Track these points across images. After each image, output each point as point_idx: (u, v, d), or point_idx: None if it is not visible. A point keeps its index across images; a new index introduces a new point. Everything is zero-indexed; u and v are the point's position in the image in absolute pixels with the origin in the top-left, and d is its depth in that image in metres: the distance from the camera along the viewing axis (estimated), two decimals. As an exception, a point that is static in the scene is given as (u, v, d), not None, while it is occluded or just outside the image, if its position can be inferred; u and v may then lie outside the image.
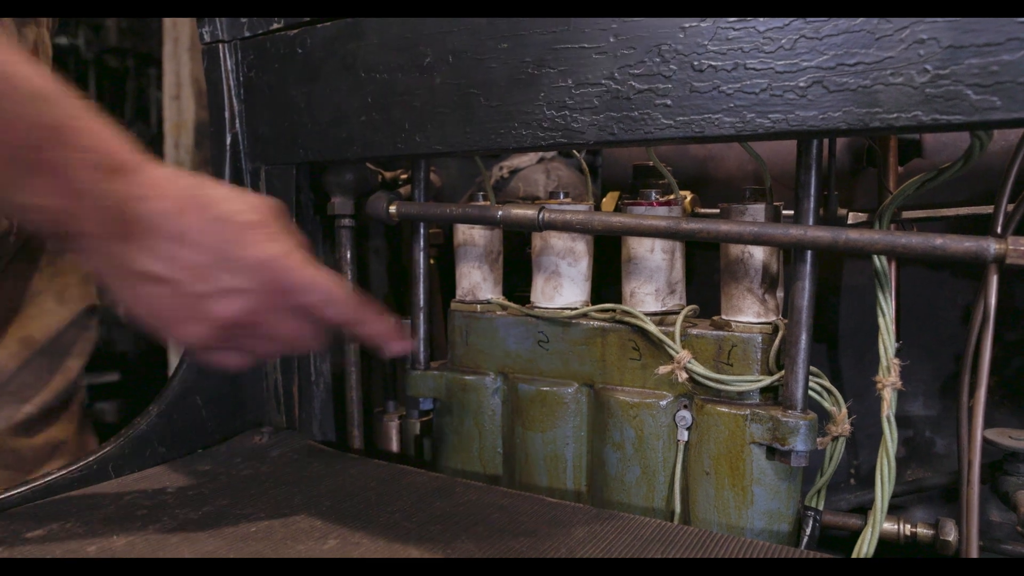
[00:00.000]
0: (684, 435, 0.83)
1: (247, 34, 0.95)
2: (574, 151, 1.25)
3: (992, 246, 0.62)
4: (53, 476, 0.80)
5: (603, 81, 0.71)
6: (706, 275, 1.10)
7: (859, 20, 0.58)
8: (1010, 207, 0.71)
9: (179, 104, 3.44)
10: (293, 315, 0.68)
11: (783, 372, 0.77)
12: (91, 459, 0.83)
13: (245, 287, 0.64)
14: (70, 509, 0.74)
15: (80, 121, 0.60)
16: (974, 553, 0.71)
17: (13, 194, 0.58)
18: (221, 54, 0.97)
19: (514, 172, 1.31)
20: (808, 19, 0.60)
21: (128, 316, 0.67)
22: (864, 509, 0.86)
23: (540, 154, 1.31)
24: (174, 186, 0.63)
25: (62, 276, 1.10)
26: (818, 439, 0.76)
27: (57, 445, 1.12)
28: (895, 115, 0.58)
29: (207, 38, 0.98)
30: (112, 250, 0.62)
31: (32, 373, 1.06)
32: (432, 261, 1.20)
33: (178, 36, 3.41)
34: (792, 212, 0.77)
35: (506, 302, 0.97)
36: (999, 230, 0.71)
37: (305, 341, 0.70)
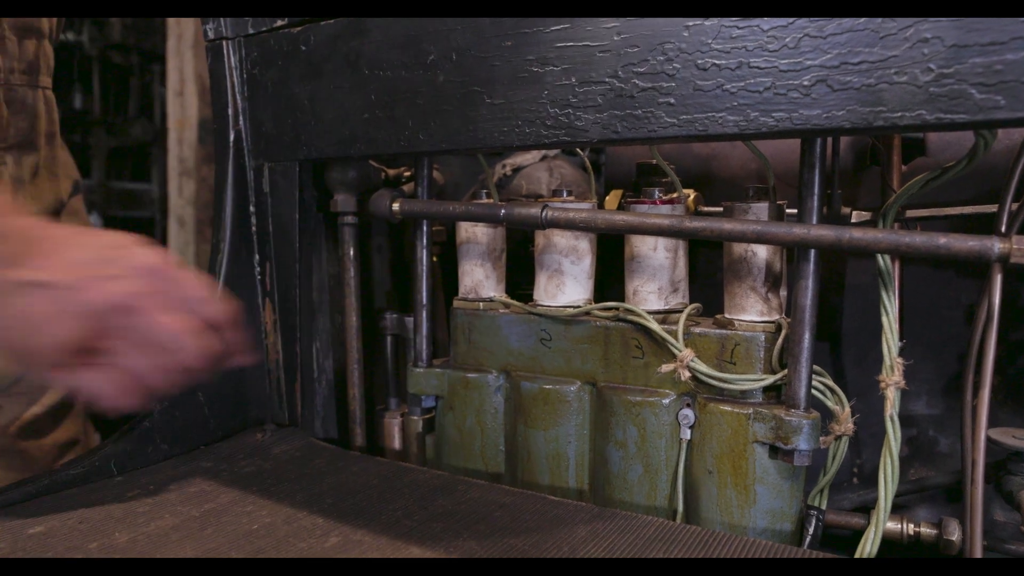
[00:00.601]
0: (687, 434, 0.83)
1: (251, 31, 0.95)
2: (577, 149, 1.25)
3: (996, 245, 0.62)
4: (55, 472, 0.80)
5: (607, 79, 0.71)
6: (709, 274, 1.10)
7: (863, 19, 0.58)
8: (1015, 206, 0.71)
9: (183, 100, 3.44)
10: (168, 310, 0.67)
11: (786, 371, 0.77)
12: (94, 456, 0.83)
13: (122, 275, 0.65)
14: (72, 505, 0.74)
15: None
16: (978, 552, 0.71)
17: None
18: (225, 51, 0.97)
19: (517, 170, 1.31)
20: (812, 18, 0.60)
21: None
22: (867, 508, 0.86)
23: (543, 152, 1.31)
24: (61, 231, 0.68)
25: None
26: (821, 438, 0.76)
27: (66, 445, 1.12)
28: (899, 114, 0.57)
29: (211, 35, 0.98)
30: None
31: None
32: (435, 259, 1.20)
33: (182, 33, 3.41)
34: (796, 211, 0.77)
35: (509, 300, 0.97)
36: (1003, 229, 0.71)
37: (178, 357, 0.68)
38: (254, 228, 1.02)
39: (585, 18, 0.71)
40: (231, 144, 0.99)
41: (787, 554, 0.66)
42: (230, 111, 0.98)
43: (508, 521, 0.72)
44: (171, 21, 3.34)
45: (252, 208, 1.01)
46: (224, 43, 0.97)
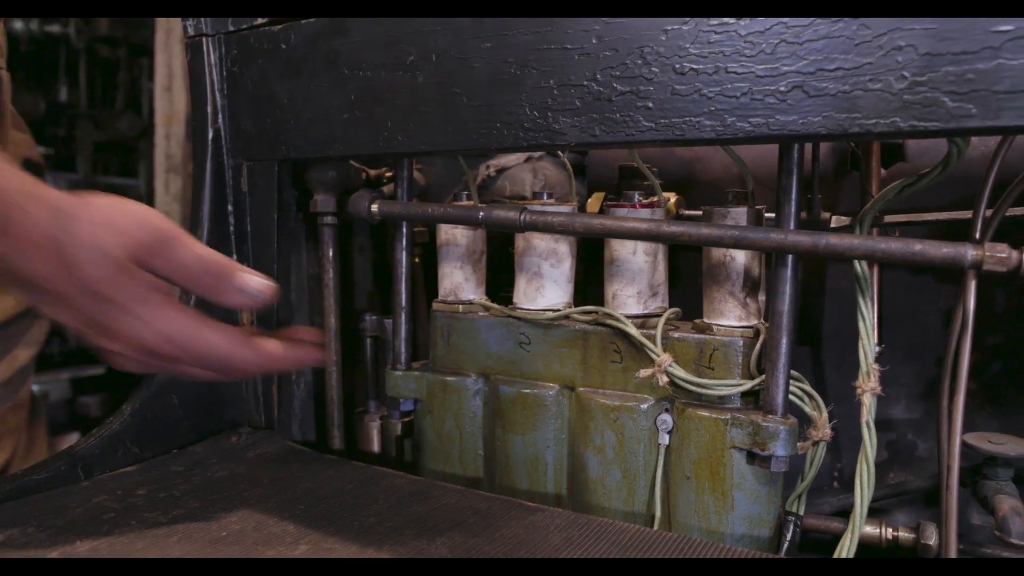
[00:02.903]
0: (665, 439, 0.82)
1: (231, 28, 0.95)
2: (558, 151, 1.24)
3: (969, 252, 0.62)
4: (18, 478, 0.78)
5: (585, 82, 0.70)
6: (691, 277, 1.09)
7: (839, 26, 0.58)
8: (988, 212, 0.71)
9: (171, 95, 3.42)
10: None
11: (764, 376, 0.76)
12: (60, 460, 0.81)
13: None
14: (34, 512, 0.73)
15: None
16: (953, 556, 0.71)
17: None
18: (204, 48, 0.96)
19: (501, 171, 1.30)
20: (789, 24, 0.60)
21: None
22: (847, 512, 0.86)
23: (527, 153, 1.31)
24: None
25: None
26: (799, 444, 0.76)
27: (1, 434, 1.09)
28: (874, 121, 0.57)
29: (191, 31, 0.97)
30: None
31: None
32: (416, 260, 1.19)
33: (170, 27, 3.38)
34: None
35: (488, 303, 0.96)
36: (977, 236, 0.71)
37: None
38: (232, 228, 1.01)
39: (564, 20, 0.70)
40: (210, 142, 0.98)
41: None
42: (209, 109, 0.97)
43: (482, 528, 0.71)
44: (158, 16, 3.32)
45: (230, 207, 1.00)
46: (204, 40, 0.96)
